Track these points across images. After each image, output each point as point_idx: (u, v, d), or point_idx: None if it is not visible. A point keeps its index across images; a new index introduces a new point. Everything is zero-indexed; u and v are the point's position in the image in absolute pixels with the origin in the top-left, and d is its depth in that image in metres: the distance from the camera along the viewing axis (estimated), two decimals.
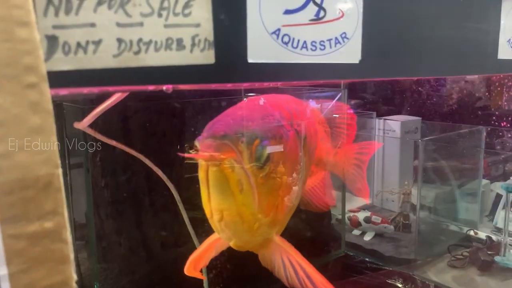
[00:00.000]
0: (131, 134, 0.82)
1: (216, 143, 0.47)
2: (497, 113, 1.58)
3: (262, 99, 0.63)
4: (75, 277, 0.31)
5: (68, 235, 0.30)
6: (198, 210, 0.90)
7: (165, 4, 0.35)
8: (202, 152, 0.47)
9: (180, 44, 0.36)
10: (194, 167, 0.91)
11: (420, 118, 1.53)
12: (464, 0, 0.57)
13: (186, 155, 0.48)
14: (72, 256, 0.31)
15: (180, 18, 0.36)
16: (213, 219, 0.50)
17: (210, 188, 0.48)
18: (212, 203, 0.49)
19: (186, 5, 0.36)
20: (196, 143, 0.49)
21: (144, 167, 0.66)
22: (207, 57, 0.37)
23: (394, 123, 1.49)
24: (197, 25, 0.37)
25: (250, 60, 0.40)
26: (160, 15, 0.35)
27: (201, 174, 0.48)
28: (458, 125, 1.51)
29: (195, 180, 0.93)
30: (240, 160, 0.47)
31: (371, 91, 1.67)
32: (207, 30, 0.37)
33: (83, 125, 0.51)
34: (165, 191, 0.70)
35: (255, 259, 0.64)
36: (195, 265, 0.63)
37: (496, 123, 1.55)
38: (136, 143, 0.82)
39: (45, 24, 0.31)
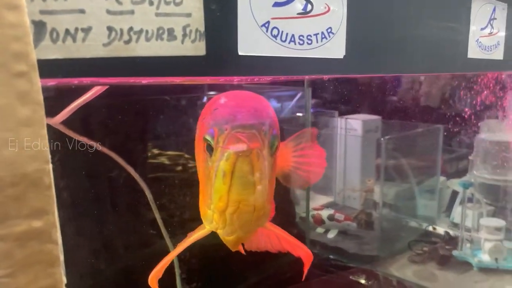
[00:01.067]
0: (101, 132, 0.79)
1: (246, 133, 0.46)
2: (453, 113, 1.64)
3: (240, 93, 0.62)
4: (64, 280, 0.29)
5: (58, 235, 0.28)
6: (169, 210, 0.88)
7: None
8: (231, 143, 0.46)
9: (171, 34, 0.34)
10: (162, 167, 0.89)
11: (380, 117, 1.56)
12: (438, 1, 0.59)
13: (225, 146, 0.47)
14: (62, 257, 0.29)
15: (171, 7, 0.34)
16: (227, 211, 0.50)
17: (233, 179, 0.47)
18: (232, 194, 0.48)
19: None
20: (208, 137, 0.47)
21: (116, 166, 0.63)
22: (198, 48, 0.36)
23: (356, 122, 1.51)
24: (188, 15, 0.35)
25: (240, 53, 0.39)
26: (151, 3, 0.33)
27: (225, 166, 0.47)
28: (416, 123, 1.55)
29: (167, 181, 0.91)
30: (263, 149, 0.47)
31: (332, 90, 1.69)
32: (198, 20, 0.36)
33: (55, 121, 0.48)
34: (136, 191, 0.68)
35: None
36: (159, 272, 0.60)
37: (449, 122, 1.60)
38: (106, 141, 0.79)
39: (31, 9, 0.28)
